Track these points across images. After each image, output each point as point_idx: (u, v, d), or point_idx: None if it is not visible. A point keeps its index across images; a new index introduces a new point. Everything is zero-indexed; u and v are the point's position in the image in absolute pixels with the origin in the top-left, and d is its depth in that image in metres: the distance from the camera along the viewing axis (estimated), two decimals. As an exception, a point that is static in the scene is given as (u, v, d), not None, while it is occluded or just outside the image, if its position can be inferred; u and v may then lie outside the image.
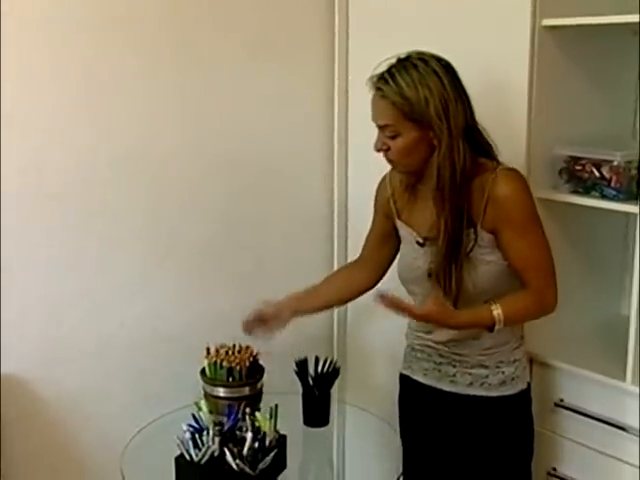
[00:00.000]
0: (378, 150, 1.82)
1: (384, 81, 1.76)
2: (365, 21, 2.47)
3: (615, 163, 1.97)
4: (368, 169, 2.50)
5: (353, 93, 2.53)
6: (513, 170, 1.81)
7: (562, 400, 2.10)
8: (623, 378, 1.97)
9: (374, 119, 1.81)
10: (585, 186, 2.03)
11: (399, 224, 1.97)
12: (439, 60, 1.76)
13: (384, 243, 2.03)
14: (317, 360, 2.18)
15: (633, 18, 1.89)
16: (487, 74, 2.06)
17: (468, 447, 1.94)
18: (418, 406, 2.04)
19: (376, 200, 2.05)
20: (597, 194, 2.01)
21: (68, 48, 2.07)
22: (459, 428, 1.95)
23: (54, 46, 2.05)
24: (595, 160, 2.00)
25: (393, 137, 1.78)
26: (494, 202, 1.76)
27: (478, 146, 1.81)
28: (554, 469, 2.14)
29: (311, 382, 2.15)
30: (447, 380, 1.94)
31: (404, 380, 2.08)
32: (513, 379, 1.90)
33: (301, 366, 2.17)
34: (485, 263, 1.81)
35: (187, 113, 2.29)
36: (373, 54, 2.38)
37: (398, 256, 2.01)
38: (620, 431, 2.00)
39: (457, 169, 1.75)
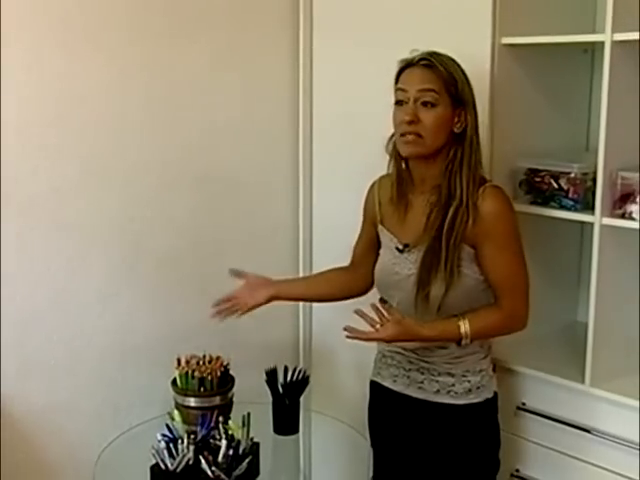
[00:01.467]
0: (407, 122, 1.79)
1: (432, 58, 1.80)
2: (329, 29, 2.51)
3: (572, 175, 2.05)
4: (333, 179, 2.58)
5: (318, 104, 2.58)
6: (499, 188, 1.86)
7: (524, 404, 2.17)
8: (582, 381, 2.05)
9: (412, 86, 1.80)
10: (544, 197, 2.11)
11: (380, 229, 1.99)
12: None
13: (372, 250, 2.04)
14: (286, 369, 2.21)
15: (584, 38, 2.01)
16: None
17: (436, 453, 1.96)
18: (387, 412, 2.07)
19: (364, 207, 2.07)
20: (555, 204, 2.09)
21: (38, 58, 2.08)
22: (427, 434, 1.97)
23: (25, 56, 2.06)
24: (553, 172, 2.08)
25: (431, 106, 1.79)
26: (479, 218, 1.80)
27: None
28: (517, 470, 2.20)
29: (281, 391, 2.18)
30: (415, 387, 1.97)
31: (374, 386, 2.10)
32: (479, 388, 1.93)
33: (271, 375, 2.20)
34: (463, 276, 1.83)
35: (153, 125, 2.31)
36: (338, 64, 2.48)
37: (378, 261, 2.02)
38: (580, 432, 2.07)
39: (472, 162, 1.82)
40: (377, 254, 2.02)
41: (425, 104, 1.79)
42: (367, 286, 2.08)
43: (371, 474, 2.09)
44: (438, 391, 1.94)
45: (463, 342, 1.84)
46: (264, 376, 2.19)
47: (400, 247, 1.92)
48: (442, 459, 1.96)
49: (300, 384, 2.21)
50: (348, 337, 1.81)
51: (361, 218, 2.09)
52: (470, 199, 1.80)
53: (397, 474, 2.07)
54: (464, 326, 1.82)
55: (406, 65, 1.84)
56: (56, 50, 2.11)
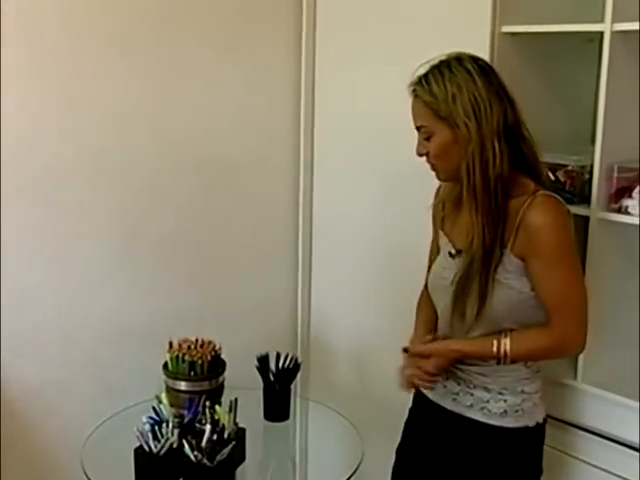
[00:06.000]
0: (420, 154, 1.77)
1: (418, 81, 1.74)
2: (332, 23, 2.50)
3: (569, 167, 2.02)
4: (334, 168, 2.56)
5: (320, 94, 2.57)
6: (553, 197, 1.70)
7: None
8: (574, 377, 2.03)
9: (413, 121, 1.77)
10: (541, 189, 2.08)
11: (440, 234, 1.89)
12: (476, 60, 1.73)
13: None
14: (278, 356, 2.22)
15: (583, 27, 1.95)
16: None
17: (460, 472, 1.84)
18: (422, 421, 1.96)
19: (433, 214, 1.94)
20: (552, 197, 2.05)
21: (37, 42, 2.09)
22: (455, 450, 1.85)
23: (23, 40, 2.07)
24: (551, 164, 2.04)
25: (428, 139, 1.73)
26: (525, 228, 1.67)
27: (520, 157, 1.73)
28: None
29: (272, 377, 2.19)
30: (450, 398, 1.84)
31: (417, 393, 1.97)
32: (517, 411, 1.77)
33: (262, 361, 2.20)
34: (507, 287, 1.70)
35: (154, 111, 2.31)
36: (340, 56, 2.46)
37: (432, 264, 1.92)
38: (572, 427, 2.05)
39: (490, 170, 1.67)
40: None
41: (425, 138, 1.75)
42: None
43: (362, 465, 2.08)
44: (472, 405, 1.80)
45: (502, 361, 1.72)
46: (256, 364, 2.20)
47: (452, 252, 1.81)
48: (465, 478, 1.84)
49: (291, 371, 2.21)
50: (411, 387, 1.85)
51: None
52: (503, 194, 1.68)
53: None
54: (504, 345, 1.70)
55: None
56: (55, 34, 2.12)
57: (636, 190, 1.89)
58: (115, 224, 2.30)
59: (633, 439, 1.95)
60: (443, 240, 1.87)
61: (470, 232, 1.71)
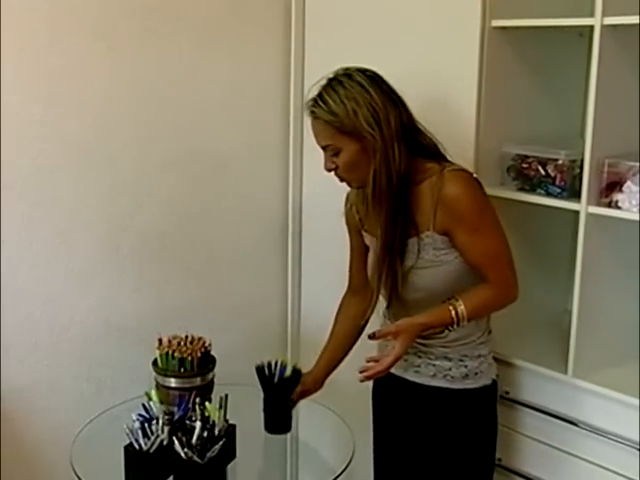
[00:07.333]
0: (328, 170, 1.88)
1: (314, 102, 1.84)
2: (322, 16, 2.48)
3: (560, 162, 2.02)
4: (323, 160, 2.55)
5: (309, 85, 2.53)
6: (460, 170, 1.84)
7: (507, 392, 2.15)
8: (565, 371, 2.03)
9: (316, 140, 1.87)
10: (531, 184, 2.08)
11: (364, 234, 2.00)
12: (363, 72, 1.82)
13: (365, 260, 2.03)
14: (275, 364, 2.09)
15: (580, 21, 1.95)
16: (437, 73, 2.10)
17: (432, 438, 1.97)
18: (387, 396, 2.08)
19: (346, 220, 2.06)
20: (542, 191, 2.05)
21: (22, 37, 2.06)
22: (424, 419, 1.98)
23: (8, 36, 2.04)
24: (541, 158, 2.05)
25: (336, 154, 1.84)
26: (443, 204, 1.80)
27: (420, 147, 1.86)
28: (499, 459, 2.18)
29: (272, 388, 2.07)
30: (412, 371, 1.97)
31: None
32: (476, 373, 1.93)
33: (261, 371, 2.09)
34: (443, 263, 1.85)
35: (140, 107, 2.29)
36: (329, 49, 2.45)
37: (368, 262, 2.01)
38: (563, 422, 2.05)
39: (393, 174, 1.80)
40: None
41: (333, 155, 1.85)
42: (374, 298, 2.03)
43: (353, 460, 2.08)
44: (434, 375, 1.94)
45: (461, 323, 1.83)
46: (254, 372, 2.09)
47: None
48: (438, 444, 1.97)
49: (292, 380, 2.09)
50: (365, 379, 1.86)
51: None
52: (407, 187, 1.82)
53: (395, 458, 2.08)
54: (460, 306, 1.81)
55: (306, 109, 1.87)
56: (40, 28, 2.09)
57: (626, 184, 1.89)
58: (102, 220, 2.28)
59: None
60: (369, 239, 1.98)
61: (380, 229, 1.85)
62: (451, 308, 1.82)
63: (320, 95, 1.83)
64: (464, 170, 1.85)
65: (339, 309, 2.16)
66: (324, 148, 1.86)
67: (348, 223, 2.06)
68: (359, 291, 2.09)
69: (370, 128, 1.78)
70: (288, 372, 2.08)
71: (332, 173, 1.89)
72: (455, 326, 1.84)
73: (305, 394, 2.13)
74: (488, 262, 1.83)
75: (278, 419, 2.10)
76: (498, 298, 1.88)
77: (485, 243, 1.82)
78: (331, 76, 1.84)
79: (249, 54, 2.48)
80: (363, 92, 1.79)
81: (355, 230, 2.04)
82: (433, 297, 1.87)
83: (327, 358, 2.16)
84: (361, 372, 1.86)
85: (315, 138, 1.87)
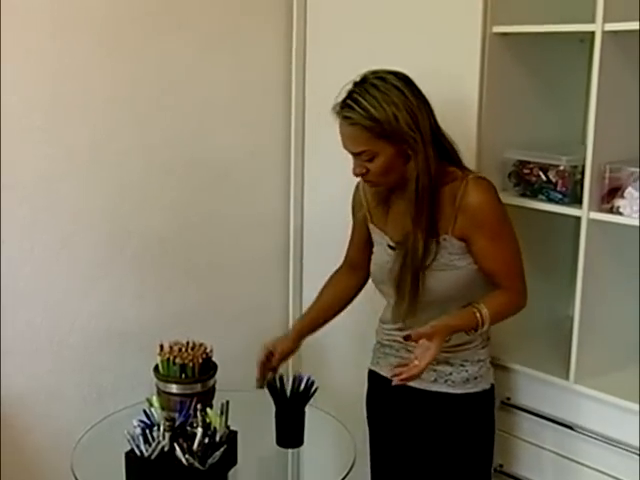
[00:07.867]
0: (357, 175, 1.86)
1: (349, 108, 1.78)
2: (323, 18, 2.48)
3: (561, 167, 2.02)
4: (325, 169, 2.55)
5: (311, 91, 2.55)
6: (483, 178, 1.86)
7: (509, 399, 2.15)
8: (566, 377, 2.03)
9: (347, 147, 1.83)
10: (533, 189, 2.08)
11: (371, 227, 2.01)
12: (396, 74, 1.80)
13: (367, 249, 2.04)
14: (290, 378, 2.08)
15: (581, 27, 1.95)
16: (439, 79, 2.09)
17: (431, 442, 1.98)
18: (385, 401, 2.07)
19: (353, 208, 2.08)
20: (544, 197, 2.06)
21: (24, 41, 2.06)
22: (424, 423, 1.99)
23: (10, 39, 2.04)
24: (542, 164, 2.05)
25: (370, 159, 1.81)
26: (465, 210, 1.81)
27: (444, 151, 1.86)
28: (501, 465, 2.18)
29: (285, 402, 2.05)
30: None
31: (372, 376, 2.11)
32: (476, 378, 1.94)
33: (275, 385, 2.07)
34: (454, 268, 1.86)
35: (142, 108, 2.29)
36: (331, 52, 2.45)
37: (372, 257, 2.02)
38: (564, 428, 2.05)
39: (433, 174, 1.80)
40: (370, 250, 2.03)
41: (367, 160, 1.82)
42: (364, 280, 2.12)
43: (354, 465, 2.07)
44: (435, 380, 1.94)
45: (484, 327, 1.82)
46: (266, 387, 2.07)
47: (392, 245, 1.93)
48: (437, 449, 1.98)
49: (305, 393, 2.06)
50: (400, 382, 1.78)
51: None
52: (436, 190, 1.82)
53: (394, 462, 2.08)
54: (482, 309, 1.81)
55: (336, 114, 1.83)
56: (43, 32, 2.09)
57: (628, 190, 1.89)
58: (104, 226, 2.28)
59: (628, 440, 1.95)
60: (377, 233, 1.99)
61: (405, 227, 1.85)
62: (475, 311, 1.81)
63: (355, 100, 1.77)
64: (485, 178, 1.86)
65: (329, 280, 2.17)
66: (357, 154, 1.82)
67: (355, 213, 2.07)
68: (352, 268, 2.12)
69: (411, 132, 1.76)
70: (303, 385, 2.05)
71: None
72: (474, 331, 1.84)
73: (285, 358, 2.14)
74: (504, 270, 1.85)
75: (290, 433, 2.08)
76: (512, 304, 1.90)
77: (502, 251, 1.85)
78: (359, 79, 1.80)
79: (251, 58, 2.48)
80: (400, 95, 1.77)
81: (361, 221, 2.05)
82: (440, 301, 1.88)
83: (307, 324, 2.17)
84: (393, 376, 1.80)
85: (345, 143, 1.83)
